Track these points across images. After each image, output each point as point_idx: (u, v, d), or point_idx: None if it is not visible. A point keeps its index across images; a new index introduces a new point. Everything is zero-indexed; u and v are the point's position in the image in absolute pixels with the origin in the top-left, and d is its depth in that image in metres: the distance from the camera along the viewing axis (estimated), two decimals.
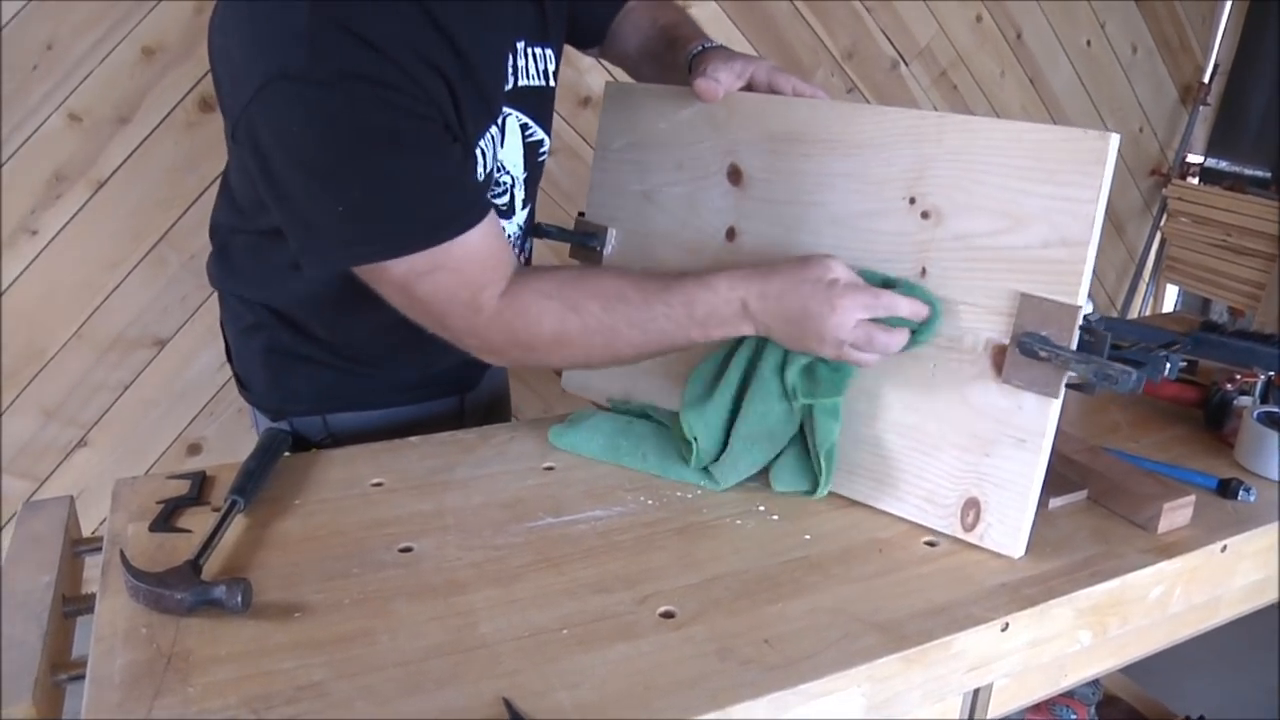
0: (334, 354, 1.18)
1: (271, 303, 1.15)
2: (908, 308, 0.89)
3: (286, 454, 1.09)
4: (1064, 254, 0.81)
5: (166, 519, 0.96)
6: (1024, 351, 0.83)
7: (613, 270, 1.07)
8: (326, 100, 0.83)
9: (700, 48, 1.12)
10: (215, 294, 1.21)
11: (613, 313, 0.94)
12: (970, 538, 0.93)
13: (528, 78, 1.10)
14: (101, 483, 1.00)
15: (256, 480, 1.00)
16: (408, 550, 0.92)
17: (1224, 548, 0.98)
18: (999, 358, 0.87)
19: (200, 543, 0.88)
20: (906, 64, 2.58)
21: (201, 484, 1.03)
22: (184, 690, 0.73)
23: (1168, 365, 0.85)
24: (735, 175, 1.05)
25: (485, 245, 0.94)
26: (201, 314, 2.00)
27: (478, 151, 1.01)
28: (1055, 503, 1.02)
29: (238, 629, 0.80)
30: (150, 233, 1.90)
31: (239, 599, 0.81)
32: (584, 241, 1.19)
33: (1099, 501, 1.03)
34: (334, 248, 0.93)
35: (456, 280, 0.94)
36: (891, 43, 2.54)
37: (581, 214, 1.22)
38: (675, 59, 1.14)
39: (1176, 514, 0.98)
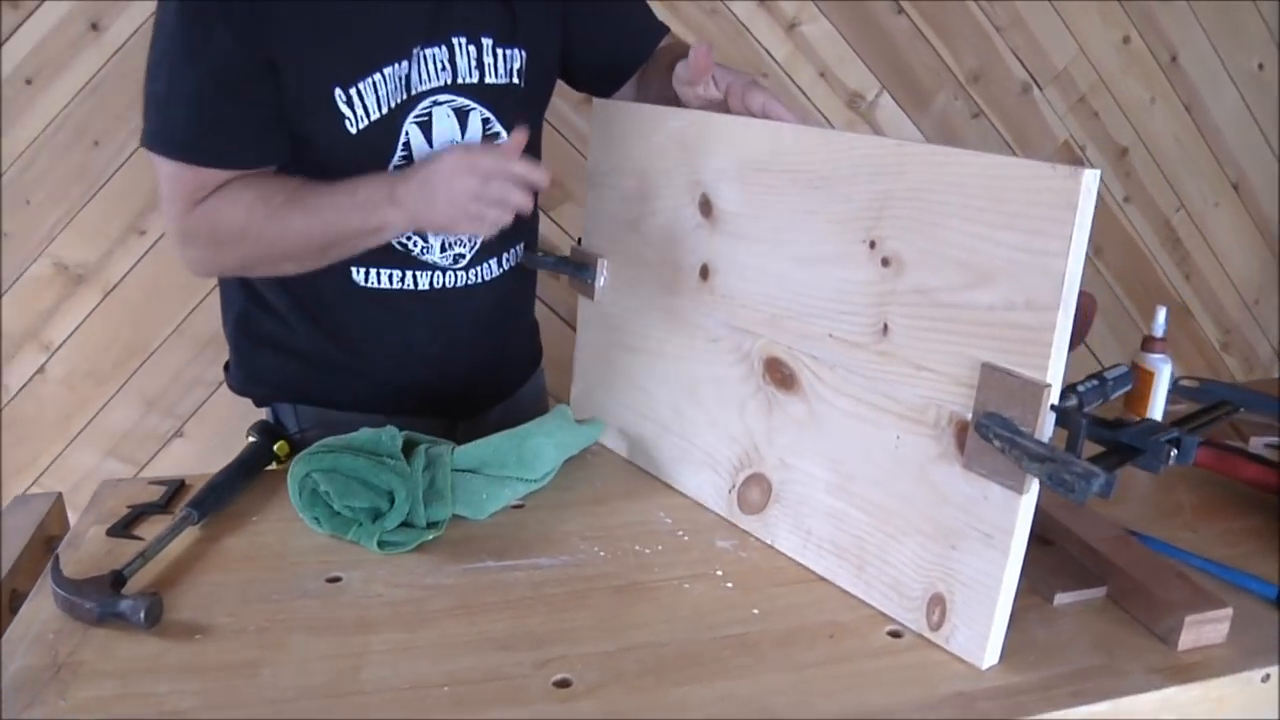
0: (295, 333, 1.19)
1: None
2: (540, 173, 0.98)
3: (275, 467, 1.10)
4: (1030, 319, 0.69)
5: (126, 525, 0.98)
6: (981, 435, 0.72)
7: (280, 185, 1.07)
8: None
9: None
10: None
11: (291, 202, 1.03)
12: (936, 638, 0.81)
13: (495, 75, 1.12)
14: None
15: (219, 495, 1.00)
16: (335, 580, 0.90)
17: (1266, 677, 0.81)
18: (962, 436, 0.75)
19: (133, 554, 0.89)
20: (1040, 88, 2.38)
21: (175, 492, 1.05)
22: (56, 703, 0.73)
23: (1173, 452, 0.70)
24: (706, 207, 0.97)
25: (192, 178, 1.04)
26: None
27: (344, 97, 1.04)
28: (1062, 599, 0.88)
29: (136, 645, 0.80)
30: None
31: (142, 615, 0.80)
32: (575, 273, 1.14)
33: (1118, 602, 0.88)
34: (145, 131, 1.05)
35: (181, 190, 1.05)
36: (1024, 65, 2.34)
37: (579, 241, 1.17)
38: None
39: (1206, 628, 0.82)
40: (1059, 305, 0.67)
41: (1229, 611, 0.82)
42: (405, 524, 0.96)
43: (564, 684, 0.76)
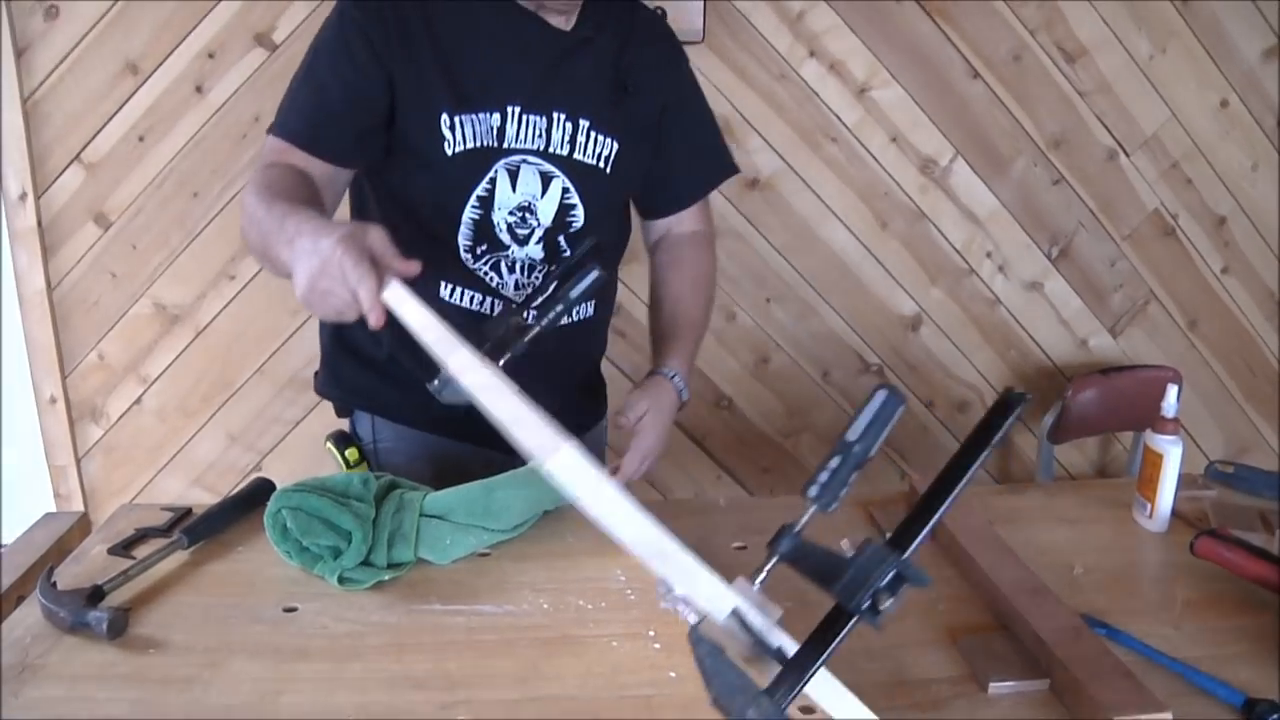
0: (379, 344, 1.27)
1: None
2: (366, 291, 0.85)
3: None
4: None
5: (127, 545, 1.07)
6: None
7: (299, 178, 1.09)
8: (334, 13, 1.15)
9: (653, 372, 1.26)
10: None
11: (261, 204, 1.01)
12: None
13: (584, 154, 1.22)
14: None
15: (210, 524, 1.08)
16: (291, 610, 0.95)
17: None
18: None
19: (116, 572, 0.97)
20: (1128, 154, 2.28)
21: (180, 519, 1.13)
22: (10, 700, 0.81)
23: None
24: None
25: (283, 147, 1.12)
26: None
27: (449, 122, 1.15)
28: (997, 688, 0.85)
29: (97, 653, 0.88)
30: None
31: (105, 627, 0.88)
32: None
33: (1060, 697, 0.84)
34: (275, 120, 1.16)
35: (264, 158, 1.13)
36: (1109, 130, 2.25)
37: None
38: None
39: None
40: None
41: (1167, 716, 0.77)
42: (367, 563, 1.00)
43: None
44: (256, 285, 2.12)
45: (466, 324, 1.19)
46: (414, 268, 0.89)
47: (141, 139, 2.03)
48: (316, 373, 1.39)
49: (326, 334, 1.36)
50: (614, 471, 1.20)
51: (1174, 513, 1.15)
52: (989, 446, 0.65)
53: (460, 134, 1.16)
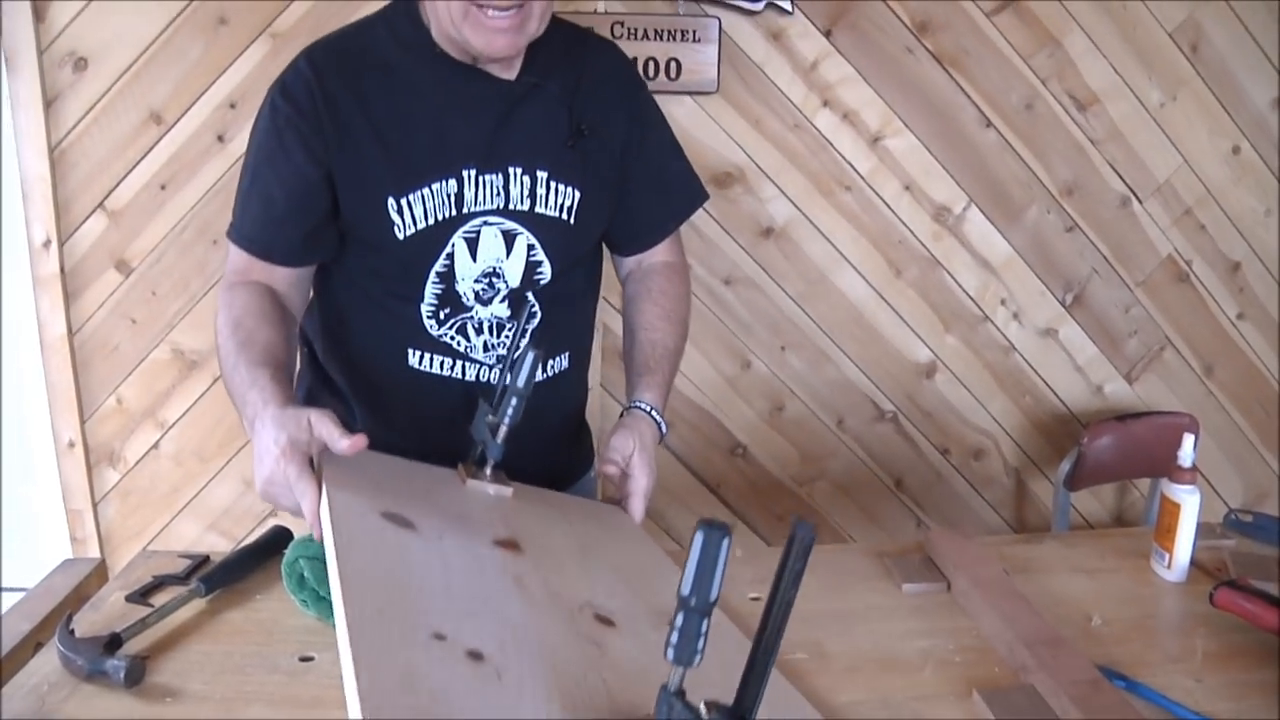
0: (352, 414, 1.27)
1: (308, 338, 1.31)
2: (307, 506, 0.90)
3: None
4: None
5: (145, 593, 1.07)
6: None
7: (264, 318, 1.13)
8: (267, 105, 1.15)
9: (630, 407, 1.23)
10: None
11: (241, 344, 1.07)
12: None
13: (545, 206, 1.19)
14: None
15: (228, 572, 1.09)
16: (307, 660, 0.95)
17: None
18: None
19: (134, 619, 0.97)
20: (1140, 201, 2.29)
21: (197, 566, 1.14)
22: None
23: None
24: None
25: (244, 261, 1.18)
26: None
27: (395, 205, 1.14)
28: None
29: (113, 702, 0.88)
30: None
31: (122, 675, 0.88)
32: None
33: None
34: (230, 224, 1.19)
35: (231, 268, 1.19)
36: (1121, 177, 2.27)
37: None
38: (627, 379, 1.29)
39: None
40: None
41: None
42: None
43: None
44: None
45: (437, 392, 1.22)
46: (360, 443, 0.92)
47: (163, 187, 2.07)
48: None
49: (303, 392, 1.32)
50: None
51: (1193, 562, 1.14)
52: (794, 589, 0.62)
53: (410, 215, 1.14)
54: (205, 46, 2.03)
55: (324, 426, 0.93)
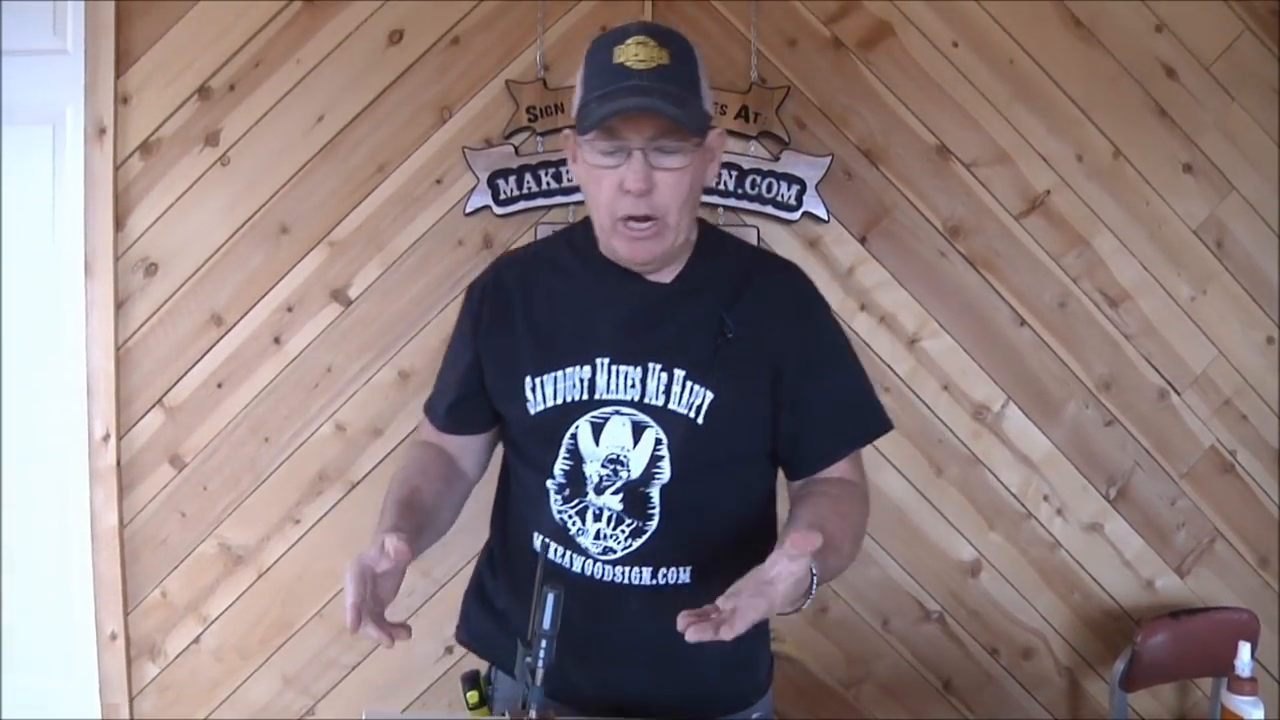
0: (498, 593, 1.37)
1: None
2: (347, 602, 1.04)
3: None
4: None
5: None
6: None
7: (421, 470, 1.33)
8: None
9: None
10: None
11: (393, 484, 1.27)
12: None
13: (677, 403, 1.23)
14: None
15: None
16: None
17: None
18: None
19: None
20: (1179, 393, 2.29)
21: None
22: None
23: None
24: None
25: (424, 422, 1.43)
26: (425, 609, 2.18)
27: (531, 384, 1.27)
28: None
29: None
30: None
31: None
32: None
33: None
34: None
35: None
36: (1158, 371, 2.28)
37: None
38: None
39: None
40: None
41: None
42: None
43: None
44: (320, 529, 2.17)
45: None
46: (386, 564, 1.07)
47: (220, 385, 2.15)
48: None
49: (469, 584, 1.45)
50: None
51: None
52: None
53: (542, 393, 1.25)
54: (267, 253, 2.14)
55: (373, 557, 1.07)
